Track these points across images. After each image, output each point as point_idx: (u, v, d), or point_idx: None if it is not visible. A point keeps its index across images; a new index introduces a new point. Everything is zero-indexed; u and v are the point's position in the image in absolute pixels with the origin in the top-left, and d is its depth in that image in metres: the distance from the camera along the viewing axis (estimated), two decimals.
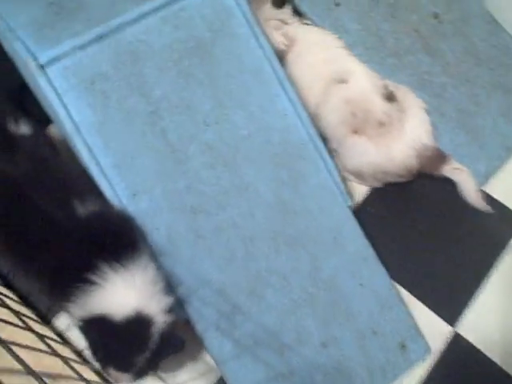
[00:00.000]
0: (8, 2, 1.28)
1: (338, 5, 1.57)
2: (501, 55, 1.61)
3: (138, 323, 1.05)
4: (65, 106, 1.14)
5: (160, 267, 1.11)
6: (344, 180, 1.39)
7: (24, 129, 1.18)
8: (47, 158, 1.16)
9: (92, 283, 1.01)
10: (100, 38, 1.18)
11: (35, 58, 1.13)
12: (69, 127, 1.14)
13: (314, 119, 1.37)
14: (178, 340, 1.13)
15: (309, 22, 1.56)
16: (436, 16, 1.62)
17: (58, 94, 1.14)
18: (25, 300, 1.30)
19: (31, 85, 1.27)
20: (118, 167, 1.17)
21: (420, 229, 1.47)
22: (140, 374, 1.10)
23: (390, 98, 1.39)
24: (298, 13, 1.58)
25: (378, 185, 1.47)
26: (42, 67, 1.14)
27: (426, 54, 1.57)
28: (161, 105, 1.20)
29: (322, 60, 1.44)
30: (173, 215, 1.20)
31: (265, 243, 1.26)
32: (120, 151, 1.17)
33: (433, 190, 1.50)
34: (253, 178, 1.26)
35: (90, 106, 1.16)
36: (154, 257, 1.12)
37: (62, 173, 1.14)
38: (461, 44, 1.61)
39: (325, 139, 1.39)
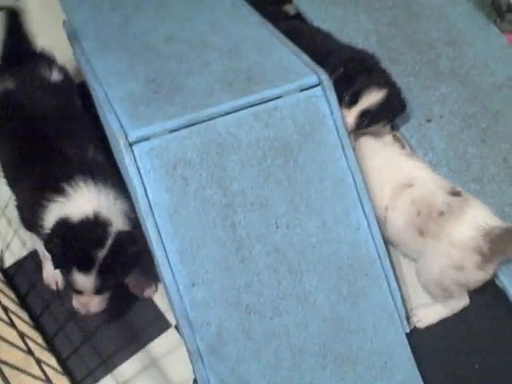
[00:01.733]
0: (111, 72, 1.32)
1: (429, 121, 1.56)
2: None
3: (96, 223, 1.19)
4: (144, 186, 1.15)
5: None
6: (405, 304, 1.34)
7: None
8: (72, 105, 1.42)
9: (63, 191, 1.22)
10: (192, 124, 1.19)
11: (126, 135, 1.15)
12: (143, 207, 1.15)
13: (381, 223, 1.34)
14: (135, 246, 1.20)
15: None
16: None
17: (139, 173, 1.16)
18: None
19: (115, 155, 1.29)
20: (182, 254, 1.17)
21: (475, 369, 1.39)
22: (104, 282, 1.19)
23: (456, 193, 1.35)
24: None
25: (463, 293, 1.39)
26: (130, 145, 1.15)
27: (510, 186, 1.52)
28: (236, 199, 1.20)
29: (386, 167, 1.41)
30: (226, 311, 1.18)
31: (313, 356, 1.23)
32: (187, 238, 1.17)
33: (494, 326, 1.43)
34: (314, 287, 1.23)
35: (168, 190, 1.16)
36: None
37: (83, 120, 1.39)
38: None
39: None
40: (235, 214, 1.20)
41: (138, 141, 1.16)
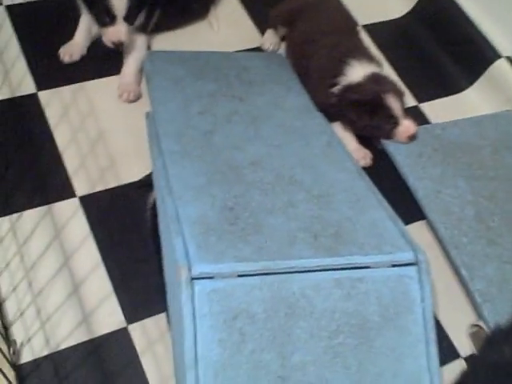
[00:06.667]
0: (187, 186, 1.19)
1: None
2: None
3: None
4: (195, 332, 0.98)
5: None
6: None
7: None
8: None
9: None
10: (265, 273, 1.03)
11: (189, 267, 1.00)
12: (188, 357, 0.97)
13: None
14: None
15: None
16: None
17: (193, 315, 0.99)
18: None
19: (167, 283, 1.14)
20: None
21: None
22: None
23: None
24: None
25: None
26: (191, 279, 0.99)
27: None
28: (294, 374, 1.02)
29: None
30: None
31: None
32: None
33: None
34: None
35: (221, 343, 0.99)
36: None
37: None
38: None
39: None
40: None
41: (202, 277, 1.00)
